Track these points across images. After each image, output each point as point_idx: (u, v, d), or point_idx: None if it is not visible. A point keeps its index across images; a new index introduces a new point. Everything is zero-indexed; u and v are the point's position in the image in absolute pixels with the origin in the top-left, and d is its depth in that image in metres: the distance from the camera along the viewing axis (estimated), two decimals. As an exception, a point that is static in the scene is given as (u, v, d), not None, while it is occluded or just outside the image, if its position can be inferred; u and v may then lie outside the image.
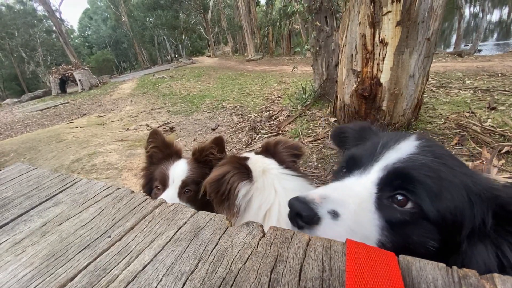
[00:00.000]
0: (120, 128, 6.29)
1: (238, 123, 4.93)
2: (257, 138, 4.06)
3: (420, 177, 0.58)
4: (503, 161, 2.37)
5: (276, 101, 5.95)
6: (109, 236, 0.63)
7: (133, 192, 0.80)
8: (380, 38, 2.85)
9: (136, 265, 0.53)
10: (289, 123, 4.25)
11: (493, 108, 3.37)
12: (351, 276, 0.41)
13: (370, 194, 0.63)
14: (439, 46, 14.96)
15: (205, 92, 8.75)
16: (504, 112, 3.24)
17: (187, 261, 0.52)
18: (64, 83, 17.98)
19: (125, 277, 0.51)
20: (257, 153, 1.25)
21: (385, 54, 2.87)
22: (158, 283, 0.48)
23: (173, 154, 1.43)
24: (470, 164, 2.41)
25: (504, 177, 2.17)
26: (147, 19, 34.60)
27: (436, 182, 0.57)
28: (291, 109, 4.91)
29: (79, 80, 16.87)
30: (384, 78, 2.97)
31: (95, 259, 0.56)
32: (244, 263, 0.49)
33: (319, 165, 2.93)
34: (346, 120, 3.56)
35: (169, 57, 39.66)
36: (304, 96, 5.00)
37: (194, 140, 4.57)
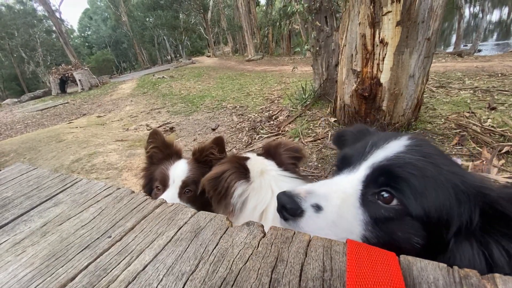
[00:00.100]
0: (120, 128, 6.29)
1: (238, 123, 4.93)
2: (257, 138, 4.06)
3: (404, 174, 0.60)
4: (503, 161, 2.37)
5: (276, 101, 5.95)
6: (110, 236, 0.63)
7: (133, 192, 0.80)
8: (380, 38, 2.85)
9: (137, 265, 0.53)
10: (289, 123, 4.25)
11: (493, 108, 3.37)
12: (352, 276, 0.41)
13: (355, 190, 0.65)
14: (439, 46, 14.98)
15: (205, 92, 8.75)
16: (504, 112, 3.24)
17: (188, 261, 0.52)
18: (64, 83, 17.98)
19: (125, 277, 0.50)
20: (258, 154, 1.25)
21: (385, 54, 2.87)
22: (159, 283, 0.48)
23: (173, 154, 1.43)
24: (470, 164, 2.41)
25: (504, 177, 2.17)
26: (147, 19, 34.57)
27: (421, 180, 0.58)
28: (291, 109, 4.91)
29: (79, 80, 16.87)
30: (384, 78, 2.97)
31: (95, 259, 0.56)
32: (245, 263, 0.49)
33: (319, 165, 2.93)
34: (346, 120, 3.56)
35: (169, 57, 39.66)
36: (304, 96, 5.00)
37: (194, 140, 4.57)
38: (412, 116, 3.18)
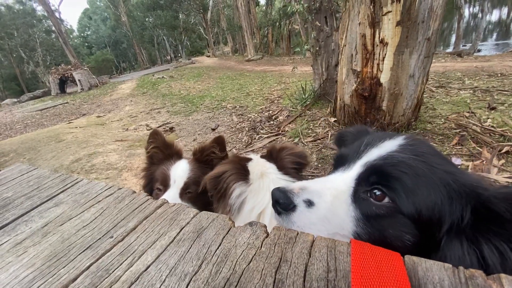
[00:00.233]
0: (119, 128, 6.28)
1: (238, 123, 4.92)
2: (257, 138, 4.06)
3: (396, 173, 0.61)
4: (503, 161, 2.37)
5: (276, 101, 5.94)
6: (111, 237, 0.62)
7: (134, 192, 0.80)
8: (380, 38, 2.85)
9: (139, 266, 0.53)
10: (289, 123, 4.25)
11: (493, 108, 3.37)
12: (356, 277, 0.40)
13: (348, 188, 0.67)
14: (438, 46, 14.98)
15: (205, 92, 8.74)
16: (504, 112, 3.24)
17: (190, 262, 0.52)
18: (63, 83, 17.95)
19: (127, 278, 0.50)
20: (262, 156, 1.25)
21: (385, 54, 2.87)
22: (162, 284, 0.48)
23: (174, 154, 1.42)
24: (470, 164, 2.41)
25: (504, 177, 2.18)
26: (147, 19, 34.59)
27: (413, 179, 0.59)
28: (291, 109, 4.90)
29: (79, 80, 16.84)
30: (384, 78, 2.97)
31: (97, 259, 0.56)
32: (248, 264, 0.49)
33: (319, 165, 2.93)
34: (346, 120, 3.56)
35: (168, 57, 39.66)
36: (304, 96, 5.00)
37: (194, 140, 4.57)
38: (412, 116, 3.18)
